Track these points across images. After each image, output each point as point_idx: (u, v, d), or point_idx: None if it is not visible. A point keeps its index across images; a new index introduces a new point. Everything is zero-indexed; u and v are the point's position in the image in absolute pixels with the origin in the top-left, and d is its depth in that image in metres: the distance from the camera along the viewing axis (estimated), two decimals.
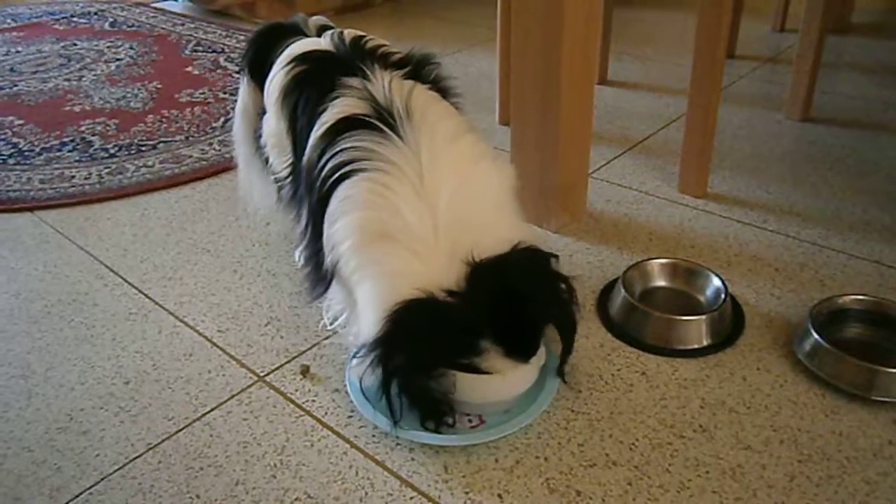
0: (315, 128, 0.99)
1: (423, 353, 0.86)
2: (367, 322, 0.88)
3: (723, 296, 1.13)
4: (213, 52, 2.53)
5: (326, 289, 1.00)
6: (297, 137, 1.07)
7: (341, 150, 0.93)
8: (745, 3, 2.27)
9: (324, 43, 1.14)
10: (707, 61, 1.40)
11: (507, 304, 0.86)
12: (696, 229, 1.39)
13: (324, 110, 0.99)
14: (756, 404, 0.99)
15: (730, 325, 1.12)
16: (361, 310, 0.91)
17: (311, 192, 0.99)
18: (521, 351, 0.89)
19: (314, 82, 1.06)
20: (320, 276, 0.99)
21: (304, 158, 1.01)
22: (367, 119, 0.95)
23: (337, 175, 0.93)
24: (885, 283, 1.22)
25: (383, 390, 0.87)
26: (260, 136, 1.21)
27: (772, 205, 1.47)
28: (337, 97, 1.00)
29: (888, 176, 1.58)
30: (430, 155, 0.92)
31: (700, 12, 1.37)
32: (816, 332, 1.04)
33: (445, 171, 0.92)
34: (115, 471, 0.92)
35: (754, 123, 1.85)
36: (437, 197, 0.90)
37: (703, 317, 1.10)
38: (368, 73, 1.02)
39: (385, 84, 1.00)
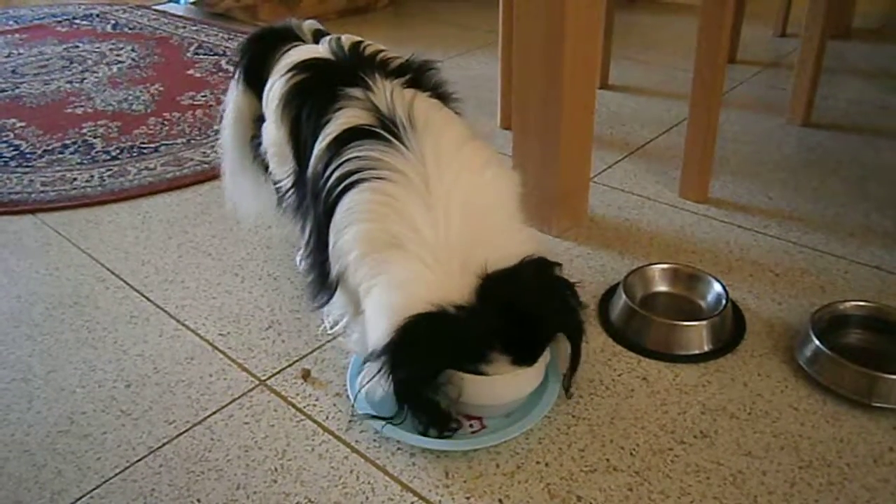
0: (319, 139, 0.99)
1: (431, 365, 0.87)
2: (377, 330, 0.88)
3: (724, 301, 1.13)
4: (215, 54, 2.54)
5: (330, 297, 1.00)
6: (300, 148, 1.07)
7: (346, 161, 0.94)
8: (747, 8, 2.27)
9: (322, 50, 1.14)
10: (708, 66, 1.40)
11: (516, 317, 0.87)
12: (697, 234, 1.40)
13: (327, 121, 1.00)
14: (757, 410, 0.99)
15: (731, 330, 1.12)
16: (370, 317, 0.91)
17: (316, 203, 0.99)
18: (527, 359, 0.90)
19: (315, 92, 1.06)
20: (325, 285, 0.99)
21: (309, 170, 1.01)
22: (372, 129, 0.96)
23: (342, 185, 0.93)
24: (885, 289, 1.22)
25: (396, 397, 0.89)
26: (259, 144, 1.20)
27: (773, 210, 1.47)
28: (340, 108, 1.00)
29: (889, 181, 1.58)
30: (435, 163, 0.92)
31: (702, 17, 1.37)
32: (817, 337, 1.04)
33: (451, 178, 0.92)
34: (116, 474, 0.92)
35: (755, 128, 1.85)
36: (445, 205, 0.90)
37: (704, 322, 1.10)
38: (370, 82, 1.03)
39: (387, 94, 1.00)
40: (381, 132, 0.95)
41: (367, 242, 0.90)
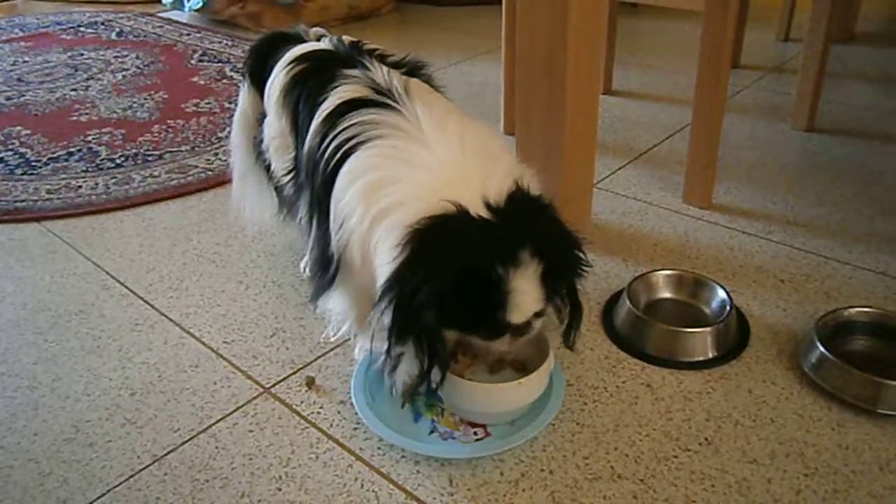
0: (316, 116, 1.01)
1: (459, 260, 0.80)
2: (385, 257, 0.83)
3: (728, 308, 1.13)
4: (219, 62, 2.55)
5: (332, 280, 0.98)
6: (300, 130, 1.08)
7: (344, 129, 0.94)
8: (750, 13, 2.27)
9: (322, 45, 1.17)
10: (712, 71, 1.40)
11: (549, 230, 0.84)
12: (700, 240, 1.39)
13: (324, 99, 1.01)
14: (762, 417, 0.99)
15: (735, 337, 1.12)
16: (381, 243, 0.86)
17: (313, 177, 1.00)
18: (557, 278, 0.84)
19: (314, 76, 1.08)
20: (325, 261, 0.98)
21: (305, 147, 1.02)
22: (368, 99, 0.97)
23: (341, 153, 0.93)
24: (891, 295, 1.22)
25: (402, 312, 0.81)
26: (261, 142, 1.22)
27: (776, 215, 1.47)
28: (337, 86, 1.01)
29: (894, 186, 1.58)
30: (430, 123, 0.92)
31: (705, 22, 1.37)
32: (822, 344, 1.03)
33: (448, 131, 0.92)
34: (121, 483, 0.92)
35: (759, 133, 1.85)
36: (445, 147, 0.89)
37: (709, 329, 1.10)
38: (367, 64, 1.05)
39: (384, 72, 1.03)
40: (378, 99, 0.96)
41: (369, 193, 0.88)
